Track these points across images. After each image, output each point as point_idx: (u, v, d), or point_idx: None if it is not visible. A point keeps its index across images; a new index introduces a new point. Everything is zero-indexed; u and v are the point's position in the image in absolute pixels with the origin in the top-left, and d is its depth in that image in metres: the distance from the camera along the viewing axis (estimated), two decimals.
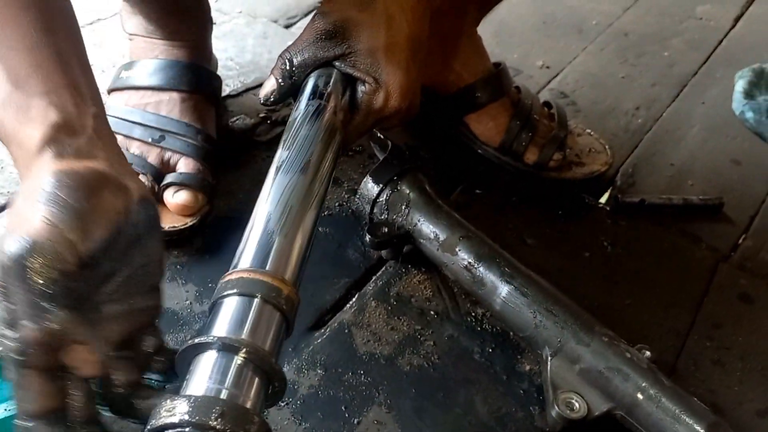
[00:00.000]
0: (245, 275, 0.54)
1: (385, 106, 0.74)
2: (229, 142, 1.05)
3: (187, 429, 0.43)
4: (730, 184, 1.15)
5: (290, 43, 0.78)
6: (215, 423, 0.43)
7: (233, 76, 1.19)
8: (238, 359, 0.48)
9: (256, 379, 0.48)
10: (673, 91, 1.35)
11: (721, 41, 1.51)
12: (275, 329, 0.53)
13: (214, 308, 0.53)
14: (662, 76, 1.38)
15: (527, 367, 0.83)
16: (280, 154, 0.66)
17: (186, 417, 0.43)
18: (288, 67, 0.75)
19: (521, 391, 0.81)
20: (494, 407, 0.79)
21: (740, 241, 1.05)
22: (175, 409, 0.43)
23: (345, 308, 0.87)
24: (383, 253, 0.94)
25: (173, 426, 0.43)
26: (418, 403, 0.78)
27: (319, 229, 0.95)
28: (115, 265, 0.51)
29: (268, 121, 1.11)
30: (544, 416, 0.78)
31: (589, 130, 1.15)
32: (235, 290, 0.53)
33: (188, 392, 0.46)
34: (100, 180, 0.50)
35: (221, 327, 0.51)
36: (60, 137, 0.51)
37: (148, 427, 0.44)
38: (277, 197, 0.61)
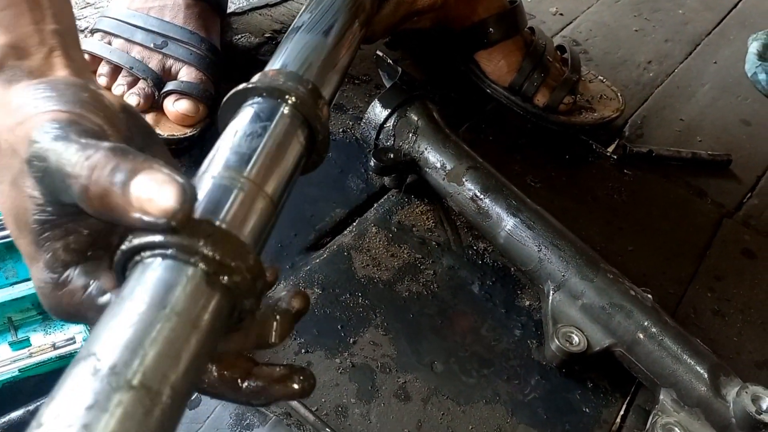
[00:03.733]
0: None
1: None
2: (232, 60, 1.01)
3: (169, 251, 0.36)
4: (738, 143, 1.13)
5: None
6: (203, 248, 0.36)
7: None
8: (240, 189, 0.41)
9: (258, 209, 0.42)
10: (686, 49, 1.32)
11: (736, 4, 1.48)
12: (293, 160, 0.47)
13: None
14: (676, 33, 1.35)
15: (527, 303, 0.82)
16: (301, 17, 0.59)
17: (170, 238, 0.36)
18: None
19: (520, 325, 0.79)
20: (491, 338, 0.77)
21: (746, 199, 1.04)
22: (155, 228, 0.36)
23: (345, 232, 0.85)
24: (386, 181, 0.91)
25: (153, 246, 0.36)
26: (415, 329, 0.76)
27: None
28: None
29: (274, 42, 1.07)
30: (542, 350, 0.76)
31: (601, 77, 1.12)
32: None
33: None
34: (81, 84, 0.45)
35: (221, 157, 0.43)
36: (8, 62, 0.45)
37: (124, 246, 0.37)
38: (295, 53, 0.54)
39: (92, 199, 0.37)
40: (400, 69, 0.93)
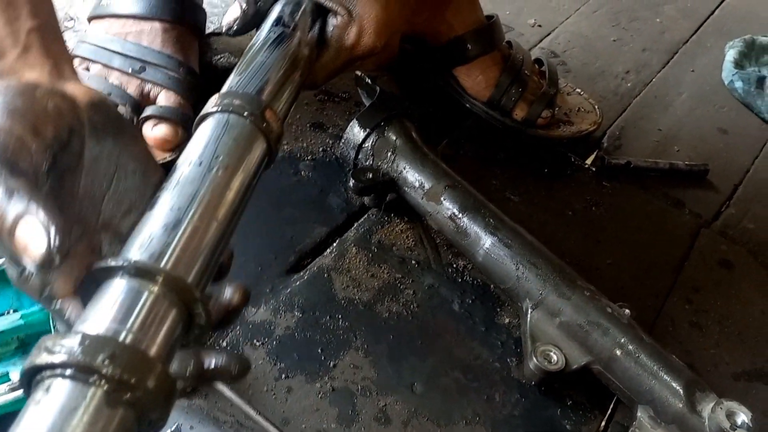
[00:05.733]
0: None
1: (358, 43, 0.68)
2: (211, 80, 1.01)
3: (68, 372, 0.35)
4: (715, 152, 1.14)
5: None
6: (103, 367, 0.35)
7: (218, 13, 1.16)
8: (150, 292, 0.40)
9: (169, 318, 0.40)
10: (664, 58, 1.33)
11: (713, 11, 1.49)
12: (204, 256, 0.45)
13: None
14: (653, 42, 1.37)
15: (506, 320, 0.82)
16: (230, 80, 0.58)
17: (67, 357, 0.35)
18: None
19: (499, 343, 0.80)
20: (471, 357, 0.78)
21: (723, 208, 1.05)
22: (57, 347, 0.36)
23: (325, 253, 0.85)
24: (366, 200, 0.92)
25: (53, 366, 0.35)
26: (395, 350, 0.77)
27: (302, 173, 0.94)
28: (99, 169, 0.48)
29: None
30: (521, 368, 0.77)
31: (579, 90, 1.13)
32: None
33: (81, 329, 0.39)
34: (30, 88, 0.46)
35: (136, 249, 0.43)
36: None
37: (26, 363, 0.36)
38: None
39: None
40: (378, 88, 0.94)
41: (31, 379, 0.37)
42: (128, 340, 0.38)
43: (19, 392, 0.60)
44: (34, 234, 0.39)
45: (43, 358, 0.36)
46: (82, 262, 0.44)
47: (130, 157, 0.49)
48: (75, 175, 0.47)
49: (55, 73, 0.50)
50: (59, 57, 0.51)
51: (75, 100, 0.47)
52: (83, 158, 0.47)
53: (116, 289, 0.40)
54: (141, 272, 0.40)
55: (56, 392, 0.35)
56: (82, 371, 0.35)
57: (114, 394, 0.35)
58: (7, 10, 0.49)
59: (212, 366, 0.46)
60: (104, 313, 0.39)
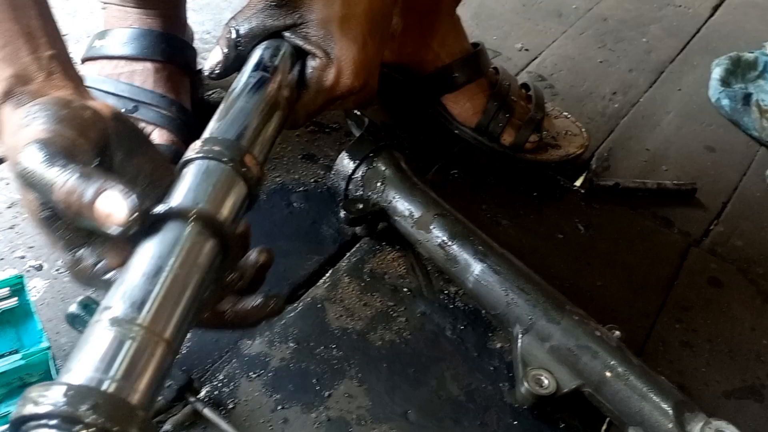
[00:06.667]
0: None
1: (337, 83, 0.69)
2: (203, 116, 1.03)
3: (53, 422, 0.37)
4: (703, 171, 1.16)
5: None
6: (86, 416, 0.36)
7: (210, 49, 1.17)
8: (132, 341, 0.41)
9: (151, 366, 0.42)
10: (650, 77, 1.35)
11: (699, 29, 1.52)
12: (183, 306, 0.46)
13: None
14: (640, 62, 1.39)
15: (498, 345, 0.84)
16: (211, 126, 0.59)
17: (51, 408, 0.36)
18: (234, 37, 0.68)
19: (491, 368, 0.81)
20: (464, 383, 0.79)
21: (712, 226, 1.07)
22: (41, 398, 0.37)
23: (318, 283, 0.87)
24: (357, 229, 0.93)
25: (38, 417, 0.37)
26: (389, 378, 0.78)
27: (294, 204, 0.95)
28: (125, 174, 0.53)
29: None
30: (514, 392, 0.78)
31: (566, 113, 1.15)
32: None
33: (65, 379, 0.40)
34: (65, 101, 0.52)
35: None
36: (15, 89, 0.53)
37: (11, 416, 0.38)
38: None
39: (69, 215, 0.47)
40: (366, 119, 0.96)
41: (18, 430, 0.38)
42: (111, 389, 0.39)
43: None
44: (116, 203, 0.45)
45: (29, 409, 0.37)
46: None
47: (148, 161, 0.55)
48: None
49: (78, 93, 0.55)
50: (78, 80, 0.57)
51: (103, 113, 0.53)
52: (113, 164, 0.53)
53: (99, 339, 0.42)
54: (121, 321, 0.42)
55: None
56: (66, 421, 0.37)
57: None
58: (29, 41, 0.55)
59: (249, 307, 0.54)
60: (88, 363, 0.40)
